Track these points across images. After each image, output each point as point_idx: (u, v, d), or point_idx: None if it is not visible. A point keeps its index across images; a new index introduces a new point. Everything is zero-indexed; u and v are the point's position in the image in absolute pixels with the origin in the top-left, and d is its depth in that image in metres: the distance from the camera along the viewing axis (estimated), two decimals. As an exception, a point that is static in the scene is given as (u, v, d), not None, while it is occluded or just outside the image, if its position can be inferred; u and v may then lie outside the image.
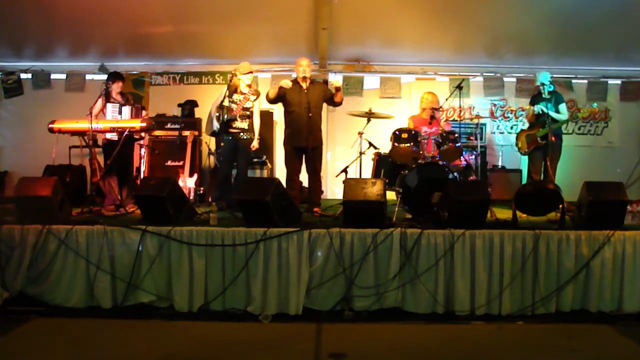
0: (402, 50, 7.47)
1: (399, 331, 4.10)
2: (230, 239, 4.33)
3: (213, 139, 7.07)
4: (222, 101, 5.64)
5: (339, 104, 5.81)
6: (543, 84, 5.95)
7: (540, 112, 5.99)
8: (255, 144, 5.80)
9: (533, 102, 6.24)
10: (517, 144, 6.37)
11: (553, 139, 5.99)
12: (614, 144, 7.87)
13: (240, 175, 5.80)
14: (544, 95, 6.04)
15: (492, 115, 7.88)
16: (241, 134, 5.70)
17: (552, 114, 5.95)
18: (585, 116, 6.52)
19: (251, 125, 5.77)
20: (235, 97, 5.69)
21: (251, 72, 5.77)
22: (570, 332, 4.02)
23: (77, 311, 4.32)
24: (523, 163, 6.75)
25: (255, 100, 5.76)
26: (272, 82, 7.72)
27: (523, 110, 6.67)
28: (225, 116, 5.58)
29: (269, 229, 4.31)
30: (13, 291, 4.35)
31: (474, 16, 6.50)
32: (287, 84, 5.46)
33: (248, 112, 5.72)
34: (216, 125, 5.62)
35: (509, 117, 7.80)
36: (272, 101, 5.71)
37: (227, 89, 5.72)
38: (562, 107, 6.06)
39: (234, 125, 5.65)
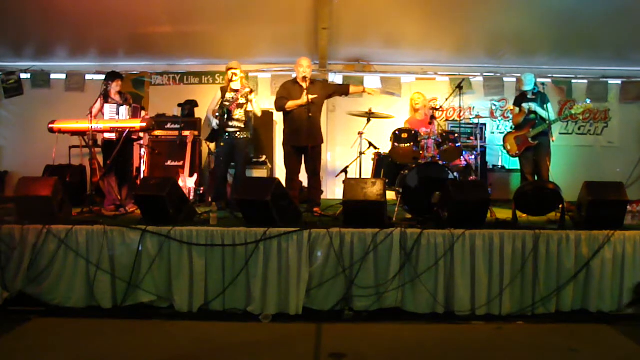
0: (402, 50, 7.47)
1: (399, 331, 4.09)
2: (230, 239, 4.33)
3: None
4: (219, 102, 5.67)
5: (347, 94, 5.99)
6: (528, 90, 6.05)
7: (532, 110, 5.99)
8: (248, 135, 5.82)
9: (518, 103, 6.24)
10: (505, 147, 6.36)
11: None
12: (614, 144, 7.87)
13: (239, 174, 5.80)
14: (529, 96, 6.07)
15: (492, 115, 7.89)
16: (238, 133, 5.70)
17: (541, 112, 5.97)
18: (580, 112, 6.52)
19: (247, 123, 5.78)
20: (228, 95, 5.70)
21: (237, 68, 5.71)
22: (570, 332, 4.02)
23: (77, 311, 4.32)
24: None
25: (248, 95, 5.71)
26: (272, 82, 7.73)
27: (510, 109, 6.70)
28: (224, 110, 5.58)
29: (269, 229, 4.31)
30: (13, 291, 4.36)
31: (473, 16, 6.50)
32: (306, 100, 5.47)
33: (243, 110, 5.71)
34: (215, 122, 5.62)
35: (508, 117, 7.79)
36: (283, 106, 5.66)
37: (220, 91, 5.75)
38: (549, 106, 6.07)
39: (230, 125, 5.65)
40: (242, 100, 5.70)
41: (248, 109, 5.80)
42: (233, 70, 5.69)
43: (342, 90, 5.97)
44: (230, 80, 5.71)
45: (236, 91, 5.70)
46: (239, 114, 5.70)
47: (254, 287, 4.28)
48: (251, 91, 5.80)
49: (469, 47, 7.32)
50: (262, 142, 7.30)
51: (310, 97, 5.40)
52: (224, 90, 5.75)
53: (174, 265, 4.34)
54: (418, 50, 7.44)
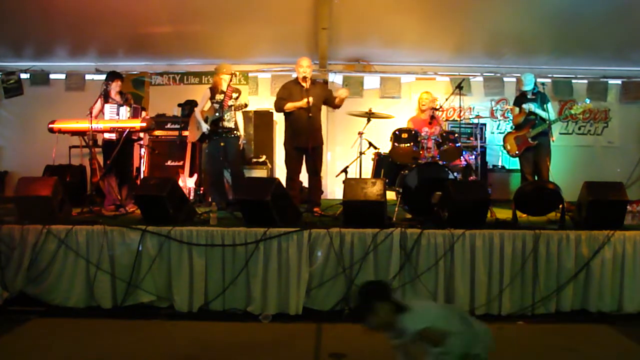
0: (402, 50, 7.47)
1: (399, 331, 4.09)
2: (230, 239, 4.33)
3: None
4: (207, 102, 5.68)
5: (338, 107, 5.83)
6: (528, 91, 6.06)
7: (532, 110, 5.99)
8: (240, 142, 5.88)
9: (518, 103, 6.24)
10: (505, 147, 6.36)
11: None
12: (614, 144, 7.88)
13: (235, 174, 5.80)
14: (528, 97, 6.08)
15: (492, 115, 7.89)
16: (228, 132, 5.71)
17: (541, 112, 5.97)
18: (580, 112, 6.52)
19: (237, 124, 5.81)
20: (218, 97, 5.70)
21: (231, 74, 5.73)
22: (570, 332, 4.02)
23: (77, 311, 4.32)
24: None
25: (237, 98, 5.74)
26: (272, 82, 7.73)
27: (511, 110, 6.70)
28: (216, 114, 5.58)
29: (269, 229, 4.31)
30: (13, 291, 4.36)
31: (474, 16, 6.50)
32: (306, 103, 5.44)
33: (232, 111, 5.72)
34: (205, 127, 5.63)
35: (508, 117, 7.78)
36: (282, 106, 5.66)
37: (210, 91, 5.76)
38: (549, 106, 6.06)
39: (221, 125, 5.66)
40: (231, 103, 5.70)
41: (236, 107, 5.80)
42: (224, 77, 5.68)
43: (332, 102, 5.79)
44: (219, 84, 5.71)
45: (225, 93, 5.69)
46: (229, 116, 5.70)
47: (254, 287, 4.27)
48: (239, 93, 5.79)
49: (469, 47, 7.32)
50: (262, 142, 7.29)
51: (310, 100, 5.39)
52: (213, 91, 5.75)
53: (174, 265, 4.34)
54: (418, 50, 7.44)
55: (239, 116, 5.92)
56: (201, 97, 5.89)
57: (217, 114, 5.59)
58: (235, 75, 5.98)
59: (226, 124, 5.67)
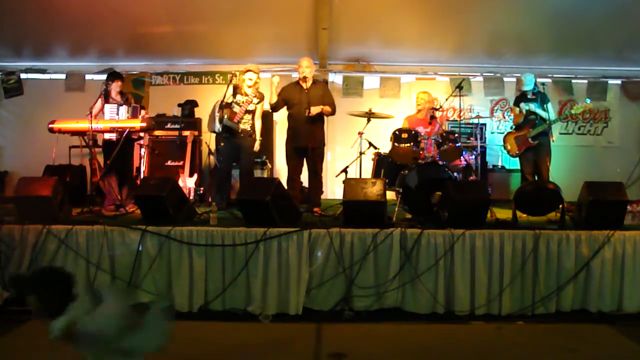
0: (402, 50, 7.47)
1: (399, 331, 4.10)
2: (230, 239, 4.33)
3: (213, 139, 7.06)
4: (223, 100, 5.63)
5: (330, 114, 5.80)
6: (528, 90, 6.07)
7: (531, 110, 5.99)
8: (256, 146, 5.82)
9: (518, 103, 6.24)
10: (505, 147, 6.36)
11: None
12: (614, 144, 7.86)
13: (245, 175, 5.80)
14: (529, 96, 6.08)
15: (492, 114, 7.89)
16: (243, 134, 5.70)
17: (541, 112, 5.97)
18: (580, 112, 6.51)
19: (253, 126, 5.79)
20: (239, 98, 5.69)
21: (256, 73, 5.71)
22: (570, 332, 4.03)
23: (77, 311, 4.32)
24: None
25: (258, 103, 5.75)
26: (272, 82, 7.72)
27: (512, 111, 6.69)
28: (225, 117, 5.57)
29: (269, 229, 4.31)
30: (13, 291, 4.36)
31: (474, 16, 6.50)
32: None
33: (250, 114, 5.72)
34: (218, 127, 5.62)
35: (508, 117, 7.77)
36: (276, 108, 5.74)
37: (233, 88, 5.73)
38: (549, 106, 6.06)
39: (234, 128, 5.65)
40: (251, 107, 5.69)
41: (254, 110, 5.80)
42: (249, 76, 5.66)
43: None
44: (245, 85, 5.68)
45: (247, 95, 5.68)
46: (247, 118, 5.70)
47: (254, 287, 4.28)
48: (262, 99, 5.80)
49: (469, 47, 7.32)
50: (262, 142, 7.28)
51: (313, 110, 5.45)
52: (235, 90, 5.73)
53: (174, 265, 4.34)
54: (418, 50, 7.43)
55: (258, 122, 5.86)
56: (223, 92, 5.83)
57: (230, 121, 5.55)
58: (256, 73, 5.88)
59: (242, 126, 5.67)
